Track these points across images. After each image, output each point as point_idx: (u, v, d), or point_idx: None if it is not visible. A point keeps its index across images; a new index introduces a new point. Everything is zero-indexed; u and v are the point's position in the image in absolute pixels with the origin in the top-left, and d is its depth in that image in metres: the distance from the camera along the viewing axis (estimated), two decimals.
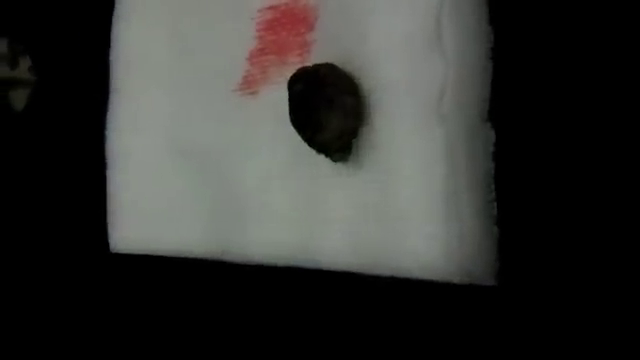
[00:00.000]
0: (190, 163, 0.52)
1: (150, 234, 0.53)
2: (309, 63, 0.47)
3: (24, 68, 0.61)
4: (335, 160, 0.46)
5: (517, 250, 0.44)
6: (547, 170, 0.44)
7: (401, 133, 0.45)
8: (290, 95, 0.46)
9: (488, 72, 0.45)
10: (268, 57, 0.50)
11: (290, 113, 0.46)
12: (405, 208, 0.45)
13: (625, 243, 0.43)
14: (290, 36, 0.49)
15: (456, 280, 0.44)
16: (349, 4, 0.47)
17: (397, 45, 0.45)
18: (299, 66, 0.47)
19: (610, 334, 0.43)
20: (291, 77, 0.46)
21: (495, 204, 0.44)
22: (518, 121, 0.45)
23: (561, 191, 0.44)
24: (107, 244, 0.54)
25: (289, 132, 0.47)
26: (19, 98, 0.61)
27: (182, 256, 0.52)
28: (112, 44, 0.55)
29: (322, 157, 0.47)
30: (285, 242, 0.49)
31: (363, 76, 0.46)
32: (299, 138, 0.47)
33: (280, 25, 0.50)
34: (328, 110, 0.45)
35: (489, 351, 0.45)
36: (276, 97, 0.49)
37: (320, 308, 0.49)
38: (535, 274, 0.44)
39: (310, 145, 0.46)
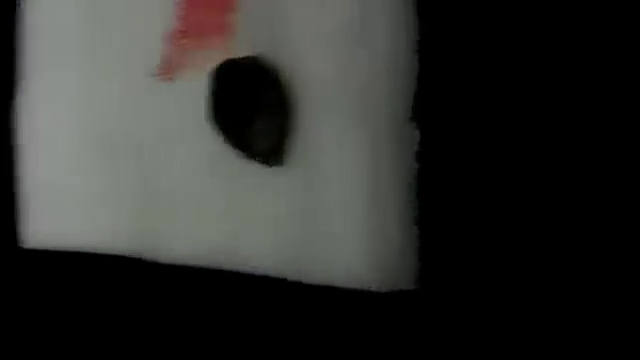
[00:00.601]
0: (107, 152, 0.49)
1: (64, 228, 0.50)
2: (232, 49, 0.45)
3: None
4: (269, 164, 0.45)
5: (438, 252, 0.44)
6: (469, 170, 0.44)
7: (326, 131, 0.44)
8: (210, 92, 0.45)
9: (414, 70, 0.44)
10: (188, 40, 0.47)
11: (211, 113, 0.45)
12: (328, 209, 0.44)
13: (546, 242, 0.43)
14: (211, 17, 0.47)
15: (377, 285, 0.43)
16: None
17: (321, 38, 0.44)
18: (221, 51, 0.45)
19: (530, 333, 0.43)
20: (213, 71, 0.45)
21: (416, 205, 0.44)
22: (442, 120, 0.44)
23: (483, 192, 0.43)
24: (17, 238, 0.52)
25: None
26: None
27: (99, 252, 0.50)
28: (20, 20, 0.51)
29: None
30: (209, 241, 0.47)
31: (288, 69, 0.44)
32: None
33: (201, 5, 0.47)
34: (252, 108, 0.44)
35: (410, 354, 0.45)
36: (198, 85, 0.46)
37: (237, 311, 0.48)
38: (455, 276, 0.44)
39: (235, 147, 0.45)
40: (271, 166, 0.45)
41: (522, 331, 0.43)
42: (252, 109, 0.44)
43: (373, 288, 0.43)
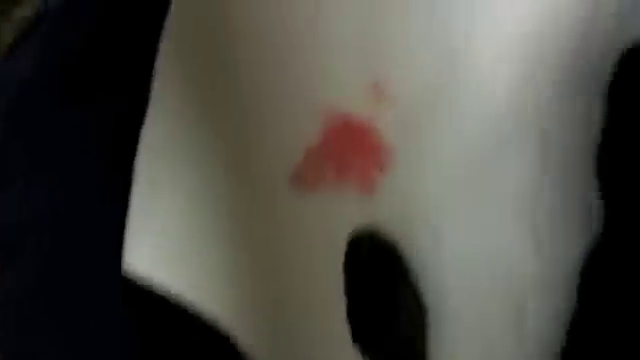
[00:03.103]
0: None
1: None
2: (367, 209, 0.46)
3: None
4: None
5: None
6: None
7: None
8: (348, 269, 0.44)
9: None
10: (326, 165, 0.48)
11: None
12: None
13: None
14: (355, 159, 0.47)
15: None
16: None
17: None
18: (357, 201, 0.46)
19: None
20: (353, 239, 0.45)
21: None
22: None
23: None
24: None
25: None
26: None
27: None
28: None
29: None
30: None
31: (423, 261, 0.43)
32: None
33: (348, 140, 0.48)
34: (388, 308, 0.42)
35: None
36: (323, 211, 0.47)
37: None
38: None
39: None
40: None
41: None
42: (388, 309, 0.43)
43: None
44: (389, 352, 0.43)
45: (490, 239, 0.41)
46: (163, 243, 0.53)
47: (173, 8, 0.52)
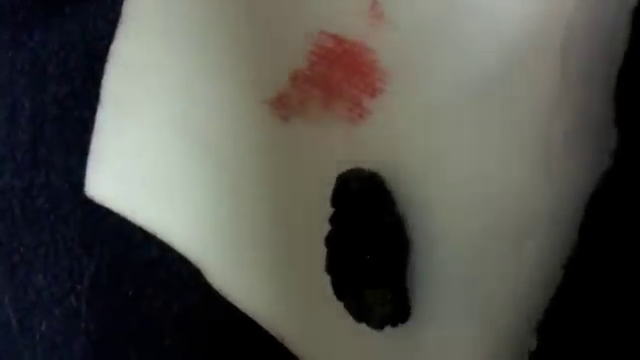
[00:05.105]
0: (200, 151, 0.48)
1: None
2: (357, 136, 0.44)
3: None
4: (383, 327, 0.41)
5: None
6: None
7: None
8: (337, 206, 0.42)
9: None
10: (312, 90, 0.45)
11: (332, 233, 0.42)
12: None
13: None
14: (345, 84, 0.44)
15: None
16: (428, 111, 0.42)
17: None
18: (344, 128, 0.44)
19: None
20: (341, 177, 0.43)
21: None
22: None
23: None
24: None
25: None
26: None
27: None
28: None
29: None
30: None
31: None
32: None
33: (338, 63, 0.44)
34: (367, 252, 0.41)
35: None
36: (309, 138, 0.45)
37: None
38: None
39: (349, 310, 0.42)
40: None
41: None
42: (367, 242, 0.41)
43: None
44: (364, 287, 0.41)
45: (491, 170, 0.39)
46: (128, 167, 0.50)
47: None
